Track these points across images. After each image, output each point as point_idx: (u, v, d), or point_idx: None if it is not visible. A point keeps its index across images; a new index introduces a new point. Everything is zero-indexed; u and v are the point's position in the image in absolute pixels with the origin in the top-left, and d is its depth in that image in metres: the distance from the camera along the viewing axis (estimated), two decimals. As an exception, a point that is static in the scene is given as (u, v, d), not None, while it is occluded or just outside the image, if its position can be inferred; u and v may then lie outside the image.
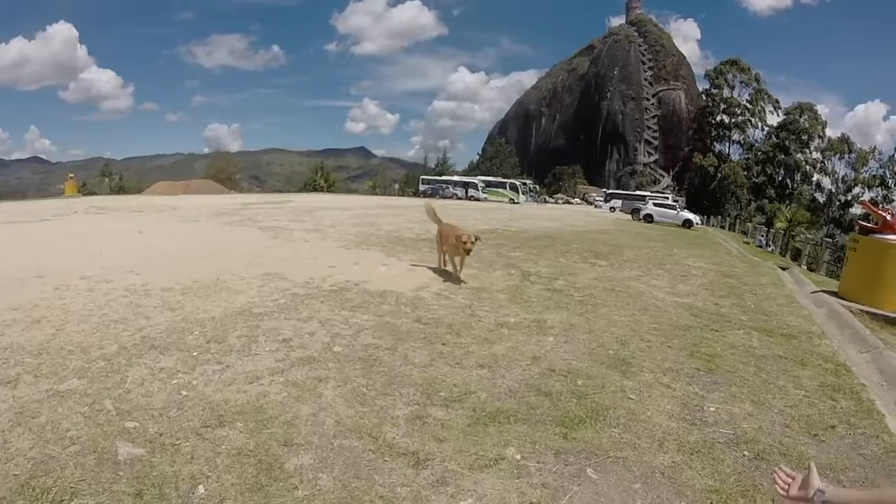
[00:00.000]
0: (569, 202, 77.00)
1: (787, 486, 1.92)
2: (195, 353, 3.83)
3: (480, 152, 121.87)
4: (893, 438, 3.37)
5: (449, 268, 7.55)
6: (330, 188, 55.51)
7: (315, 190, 51.66)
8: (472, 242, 6.69)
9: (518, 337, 4.71)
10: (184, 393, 3.23)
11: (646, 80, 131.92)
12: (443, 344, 4.43)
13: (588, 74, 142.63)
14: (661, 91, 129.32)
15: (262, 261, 7.56)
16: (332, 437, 2.84)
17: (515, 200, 53.27)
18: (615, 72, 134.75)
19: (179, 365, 3.62)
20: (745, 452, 3.04)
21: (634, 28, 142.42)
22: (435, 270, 7.75)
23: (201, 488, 2.36)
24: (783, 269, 12.92)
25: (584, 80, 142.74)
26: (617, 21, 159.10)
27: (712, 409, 3.58)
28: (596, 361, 4.28)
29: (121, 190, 40.33)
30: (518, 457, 2.80)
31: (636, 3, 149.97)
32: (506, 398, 3.47)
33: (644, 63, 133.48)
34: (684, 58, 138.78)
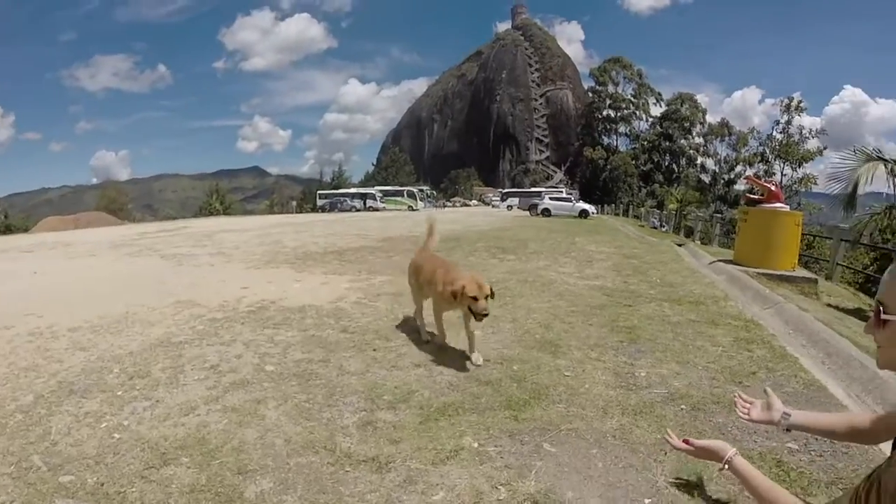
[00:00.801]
0: (466, 204, 78.33)
1: (746, 411, 2.07)
2: (119, 393, 3.57)
3: (375, 163, 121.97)
4: (809, 375, 3.82)
5: (429, 332, 4.76)
6: (226, 211, 53.88)
7: (211, 214, 49.96)
8: (484, 298, 3.80)
9: (450, 334, 4.74)
10: (116, 436, 2.98)
11: (533, 81, 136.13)
12: (374, 350, 4.42)
13: (477, 79, 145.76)
14: (548, 91, 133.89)
15: (170, 289, 7.21)
16: (286, 458, 2.75)
17: (414, 207, 53.53)
18: (503, 75, 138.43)
19: (105, 407, 3.35)
20: (683, 406, 3.31)
21: (520, 32, 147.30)
22: (354, 283, 7.60)
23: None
24: (679, 245, 13.75)
25: (474, 85, 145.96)
26: (503, 26, 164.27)
27: (643, 373, 3.86)
28: (526, 347, 4.45)
29: (7, 229, 37.45)
30: (476, 445, 2.84)
31: (521, 9, 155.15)
32: (449, 392, 3.52)
33: (531, 66, 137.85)
34: (569, 58, 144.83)
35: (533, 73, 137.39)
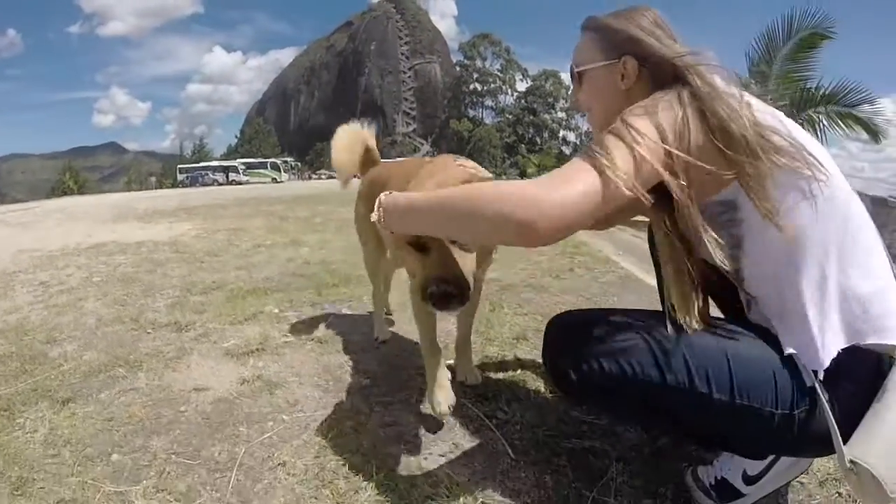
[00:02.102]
0: (332, 177, 77.40)
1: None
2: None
3: (239, 135, 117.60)
4: (627, 271, 4.25)
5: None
6: (81, 190, 50.62)
7: (65, 193, 46.78)
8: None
9: (275, 251, 5.09)
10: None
11: (403, 54, 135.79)
12: (201, 262, 4.70)
13: (346, 50, 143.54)
14: (417, 64, 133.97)
15: (12, 243, 6.99)
16: (94, 329, 3.01)
17: (278, 179, 52.41)
18: (373, 47, 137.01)
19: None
20: (495, 287, 3.64)
21: (392, 5, 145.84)
22: (197, 226, 7.77)
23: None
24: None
25: (343, 57, 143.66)
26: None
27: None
28: (349, 255, 4.76)
29: None
30: (276, 311, 3.21)
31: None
32: (263, 282, 3.87)
33: (401, 38, 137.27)
34: (440, 33, 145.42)
35: (403, 47, 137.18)
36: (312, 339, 2.75)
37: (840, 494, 1.67)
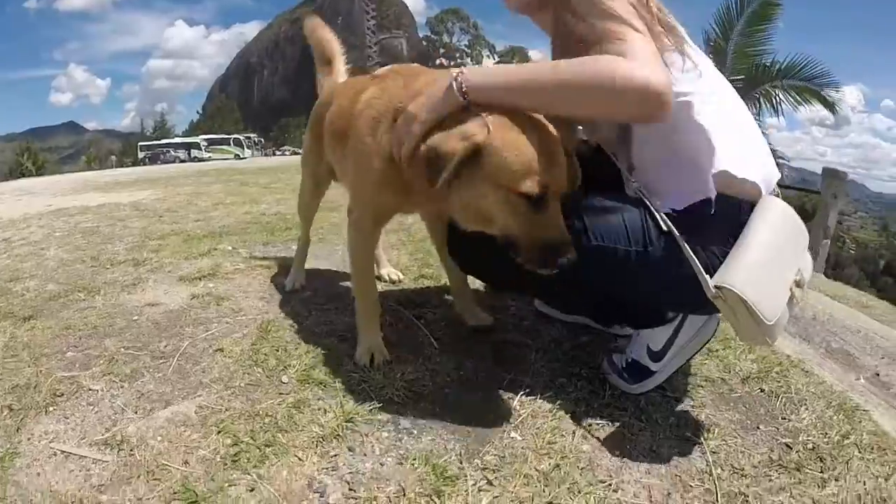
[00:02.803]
0: (296, 153, 76.81)
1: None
2: None
3: (201, 111, 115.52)
4: None
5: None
6: (39, 171, 49.50)
7: (23, 175, 45.78)
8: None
9: (233, 208, 5.25)
10: None
11: (369, 28, 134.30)
12: (160, 216, 4.85)
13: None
14: (383, 39, 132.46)
15: None
16: (54, 269, 3.15)
17: (241, 156, 51.56)
18: (339, 21, 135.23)
19: None
20: None
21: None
22: (158, 192, 7.84)
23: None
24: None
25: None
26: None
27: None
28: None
29: None
30: (230, 248, 3.40)
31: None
32: (220, 229, 4.04)
33: (368, 13, 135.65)
34: (407, 7, 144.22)
35: (369, 21, 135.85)
36: (261, 266, 2.96)
37: (763, 391, 1.85)
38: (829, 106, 13.34)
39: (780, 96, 13.54)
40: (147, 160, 49.69)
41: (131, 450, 1.38)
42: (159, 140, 62.67)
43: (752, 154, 1.52)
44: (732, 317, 1.34)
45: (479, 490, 1.29)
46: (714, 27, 14.16)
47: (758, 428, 1.66)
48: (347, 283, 2.59)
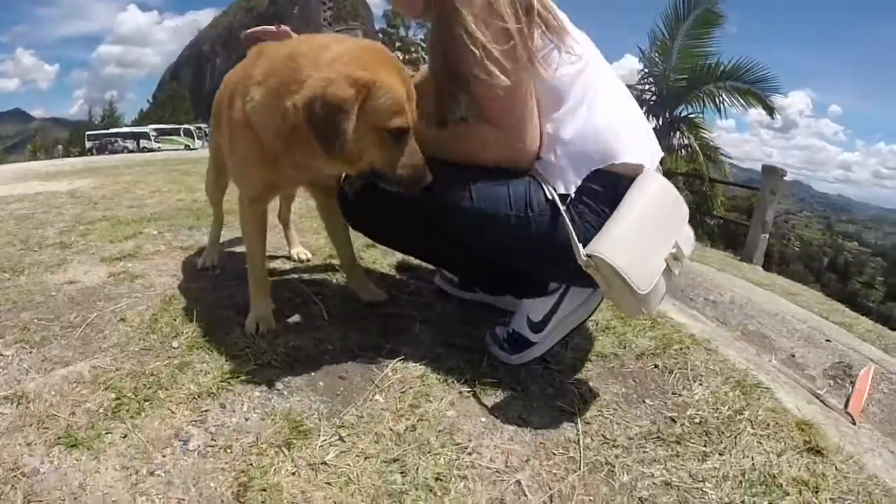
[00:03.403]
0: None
1: None
2: None
3: (152, 100, 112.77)
4: None
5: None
6: (-18, 161, 47.84)
7: (-35, 165, 44.04)
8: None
9: (168, 196, 5.37)
10: None
11: (325, 20, 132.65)
12: (95, 204, 4.95)
13: (267, 13, 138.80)
14: (340, 30, 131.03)
15: None
16: None
17: (191, 146, 50.42)
18: (295, 11, 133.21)
19: None
20: None
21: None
22: (99, 181, 7.85)
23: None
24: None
25: (263, 20, 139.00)
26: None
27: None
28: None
29: None
30: (155, 232, 3.55)
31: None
32: (150, 216, 4.16)
33: (325, 4, 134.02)
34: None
35: (326, 12, 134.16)
36: (181, 248, 3.14)
37: (657, 367, 1.92)
38: (770, 110, 13.93)
39: (724, 97, 14.03)
40: (95, 150, 48.36)
41: (28, 403, 1.57)
42: (108, 129, 60.93)
43: (637, 135, 1.68)
44: (607, 286, 1.43)
45: (330, 445, 1.44)
46: (661, 27, 14.65)
47: (643, 402, 1.71)
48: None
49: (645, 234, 1.45)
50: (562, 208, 1.54)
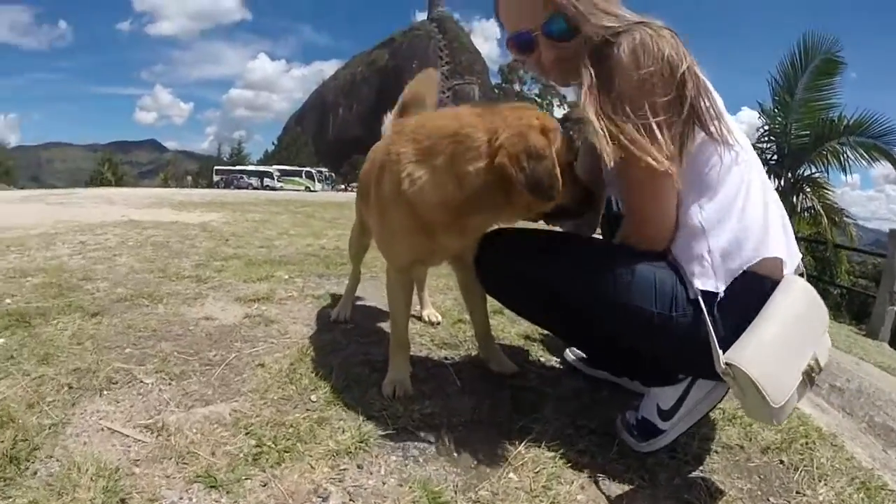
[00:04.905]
0: (365, 190, 77.90)
1: None
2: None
3: (276, 142, 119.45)
4: None
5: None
6: (119, 182, 51.88)
7: (102, 184, 47.94)
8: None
9: (296, 239, 5.49)
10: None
11: (443, 73, 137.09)
12: (227, 240, 5.12)
13: (387, 67, 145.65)
14: (456, 85, 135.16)
15: (52, 216, 7.48)
16: (124, 275, 3.43)
17: (311, 189, 53.00)
18: (413, 65, 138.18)
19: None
20: None
21: (435, 25, 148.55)
22: (227, 215, 8.23)
23: (7, 300, 2.80)
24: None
25: (383, 73, 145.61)
26: (422, 16, 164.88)
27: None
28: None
29: None
30: (286, 276, 3.58)
31: (438, 1, 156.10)
32: (280, 258, 4.25)
33: (442, 58, 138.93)
34: (480, 55, 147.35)
35: (443, 66, 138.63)
36: (312, 297, 3.12)
37: (782, 462, 1.79)
38: (899, 165, 12.88)
39: (849, 154, 13.08)
40: (221, 184, 51.54)
41: (168, 436, 1.55)
42: (234, 166, 65.01)
43: (782, 233, 1.58)
44: (740, 393, 1.36)
45: (466, 520, 1.36)
46: (778, 79, 13.92)
47: (767, 500, 1.62)
48: (387, 321, 2.73)
49: (786, 345, 1.40)
50: (705, 311, 1.45)
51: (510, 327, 2.75)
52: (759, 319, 1.41)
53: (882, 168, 13.53)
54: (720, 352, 1.37)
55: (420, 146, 1.62)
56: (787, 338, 1.40)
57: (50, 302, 2.75)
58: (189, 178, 65.60)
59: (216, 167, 60.88)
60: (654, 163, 1.39)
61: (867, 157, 12.98)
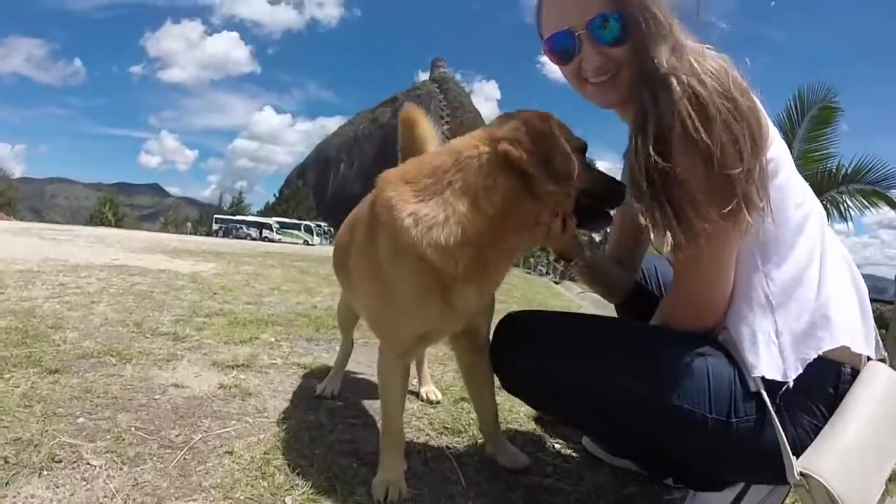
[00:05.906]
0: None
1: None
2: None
3: (277, 194, 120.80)
4: (580, 304, 4.43)
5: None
6: (118, 223, 51.92)
7: (102, 224, 47.95)
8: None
9: (287, 296, 5.25)
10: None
11: (443, 133, 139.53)
12: (214, 293, 4.87)
13: (389, 124, 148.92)
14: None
15: (42, 253, 7.35)
16: (97, 326, 3.19)
17: (310, 242, 53.10)
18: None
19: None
20: None
21: (437, 85, 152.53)
22: (220, 266, 7.99)
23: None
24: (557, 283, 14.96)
25: (385, 130, 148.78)
26: (424, 76, 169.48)
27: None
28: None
29: None
30: (272, 339, 3.33)
31: (440, 62, 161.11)
32: (266, 317, 3.98)
33: (442, 118, 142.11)
34: (480, 115, 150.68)
35: (444, 126, 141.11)
36: (297, 365, 2.85)
37: None
38: (898, 209, 12.75)
39: (848, 201, 13.00)
40: (220, 232, 51.74)
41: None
42: (235, 215, 65.30)
43: (857, 310, 1.32)
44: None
45: None
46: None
47: None
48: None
49: (869, 450, 1.15)
50: (771, 409, 1.19)
51: (518, 406, 2.45)
52: (837, 418, 1.18)
53: (875, 214, 13.50)
54: (793, 458, 1.13)
55: (419, 186, 1.38)
56: (871, 440, 1.16)
57: (9, 351, 2.50)
58: (189, 224, 65.91)
59: (216, 216, 61.20)
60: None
61: (866, 203, 12.93)
